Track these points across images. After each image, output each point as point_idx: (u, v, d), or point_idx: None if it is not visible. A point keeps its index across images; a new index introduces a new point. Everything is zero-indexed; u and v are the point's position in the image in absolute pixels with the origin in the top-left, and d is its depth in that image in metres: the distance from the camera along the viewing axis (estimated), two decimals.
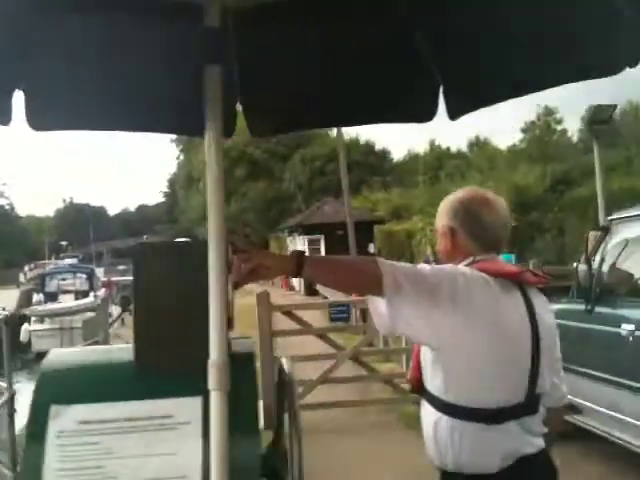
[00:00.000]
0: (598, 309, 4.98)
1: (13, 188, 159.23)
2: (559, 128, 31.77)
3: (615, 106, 9.09)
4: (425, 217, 22.55)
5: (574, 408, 5.30)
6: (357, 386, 7.55)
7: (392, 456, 5.67)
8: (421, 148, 43.03)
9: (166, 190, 70.14)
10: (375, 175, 35.81)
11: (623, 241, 4.92)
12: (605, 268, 5.11)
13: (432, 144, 42.17)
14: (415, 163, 39.42)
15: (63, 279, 28.75)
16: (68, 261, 33.67)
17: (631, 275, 4.88)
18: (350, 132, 51.86)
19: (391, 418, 6.84)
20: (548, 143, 28.36)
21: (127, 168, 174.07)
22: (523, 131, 31.61)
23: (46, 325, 24.27)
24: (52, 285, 28.21)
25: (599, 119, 8.71)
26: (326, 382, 6.95)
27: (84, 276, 29.02)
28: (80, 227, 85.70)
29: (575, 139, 32.18)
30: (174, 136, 62.90)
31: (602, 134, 9.15)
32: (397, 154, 65.33)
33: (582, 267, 5.14)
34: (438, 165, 35.55)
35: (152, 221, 72.23)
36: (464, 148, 41.02)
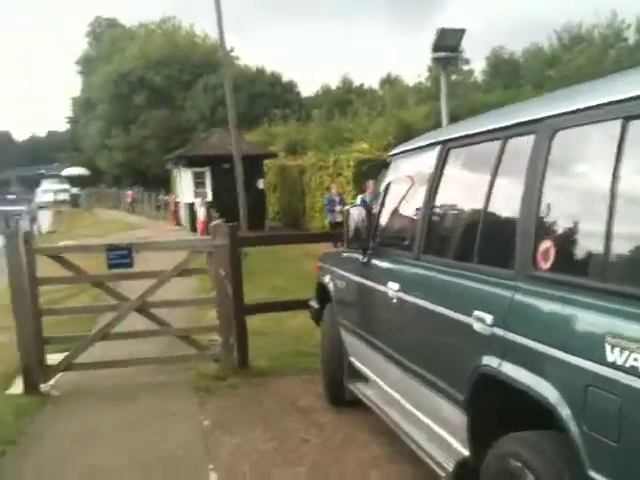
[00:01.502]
0: (375, 261, 4.15)
1: None
2: (465, 68, 31.18)
3: (463, 30, 8.12)
4: (318, 153, 21.58)
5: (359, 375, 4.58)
6: (156, 342, 6.60)
7: (150, 429, 4.79)
8: (334, 84, 41.53)
9: (71, 116, 65.57)
10: (280, 108, 34.30)
11: (402, 179, 4.06)
12: (384, 212, 4.26)
13: (344, 79, 40.83)
14: (326, 98, 38.11)
15: None
16: None
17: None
18: (256, 62, 49.79)
19: (185, 379, 5.96)
20: (450, 82, 27.71)
21: (35, 92, 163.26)
22: (429, 69, 30.87)
23: None
24: None
25: (445, 45, 7.78)
26: (107, 339, 5.95)
27: None
28: None
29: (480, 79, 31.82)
30: (80, 56, 59.31)
31: (452, 63, 8.24)
32: (309, 89, 63.42)
33: (355, 211, 4.27)
34: (347, 101, 34.37)
35: (61, 148, 67.88)
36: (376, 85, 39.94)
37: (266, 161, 24.08)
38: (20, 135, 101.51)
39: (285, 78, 41.09)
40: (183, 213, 23.72)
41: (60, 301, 8.22)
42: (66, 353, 5.91)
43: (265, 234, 7.13)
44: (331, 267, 5.15)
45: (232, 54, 44.61)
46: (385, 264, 3.99)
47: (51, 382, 5.81)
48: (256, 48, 68.60)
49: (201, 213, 15.84)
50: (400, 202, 4.11)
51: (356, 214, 4.29)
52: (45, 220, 33.64)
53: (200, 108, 38.00)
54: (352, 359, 4.70)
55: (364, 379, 4.52)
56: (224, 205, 20.61)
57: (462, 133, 3.35)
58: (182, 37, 46.66)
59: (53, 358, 5.92)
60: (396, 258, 3.85)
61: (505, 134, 2.84)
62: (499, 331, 2.51)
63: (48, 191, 48.11)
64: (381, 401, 4.16)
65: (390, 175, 4.28)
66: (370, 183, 12.06)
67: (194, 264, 6.38)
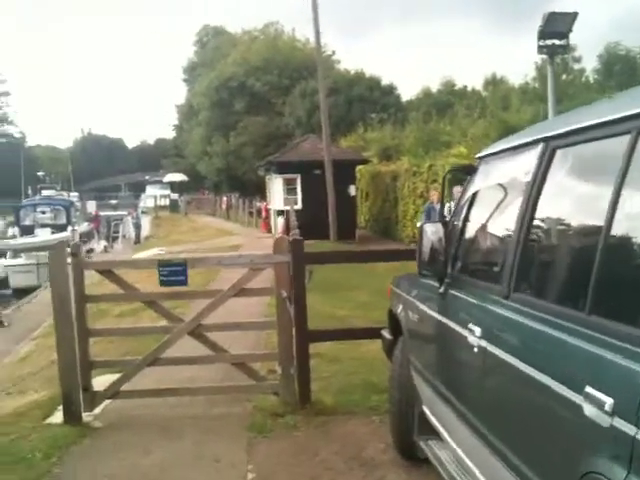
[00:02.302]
0: (453, 293, 3.25)
1: (28, 117, 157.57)
2: (577, 67, 28.99)
3: (574, 14, 6.85)
4: (412, 158, 20.53)
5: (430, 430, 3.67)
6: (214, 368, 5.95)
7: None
8: (435, 86, 40.06)
9: (176, 123, 67.84)
10: (379, 112, 33.37)
11: (492, 188, 3.14)
12: (467, 231, 3.35)
13: (446, 82, 39.34)
14: (426, 101, 36.78)
15: (39, 212, 27.46)
16: (46, 193, 32.19)
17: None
18: (355, 65, 49.14)
19: (240, 412, 5.26)
20: (560, 82, 25.74)
21: (147, 100, 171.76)
22: (537, 68, 28.91)
23: (22, 260, 23.27)
24: (28, 218, 26.96)
25: (553, 31, 6.59)
26: (156, 364, 5.35)
27: (62, 209, 27.71)
28: (98, 159, 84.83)
29: (592, 79, 29.44)
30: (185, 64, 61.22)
31: (560, 52, 7.04)
32: (410, 92, 61.82)
33: (431, 228, 3.38)
34: (448, 103, 32.96)
35: (167, 155, 70.36)
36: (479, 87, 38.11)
37: (358, 167, 23.30)
38: (131, 142, 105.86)
39: (385, 81, 40.09)
40: (273, 220, 23.40)
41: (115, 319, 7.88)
42: (113, 377, 5.37)
43: (333, 251, 6.28)
44: (404, 294, 4.27)
45: (332, 58, 44.45)
46: (465, 299, 3.08)
47: (96, 410, 5.28)
48: (358, 52, 68.20)
49: (280, 222, 14.90)
50: (488, 218, 3.20)
51: (431, 231, 3.41)
52: (145, 225, 34.60)
53: (297, 113, 37.80)
54: (425, 409, 3.80)
55: (438, 436, 3.61)
56: (313, 213, 20.06)
57: (572, 127, 2.39)
58: (283, 42, 46.89)
59: (99, 383, 5.41)
60: (479, 292, 2.93)
61: (638, 125, 1.90)
62: (624, 425, 1.58)
63: (151, 197, 49.79)
64: (455, 469, 3.25)
65: (477, 182, 3.35)
66: (456, 190, 9.96)
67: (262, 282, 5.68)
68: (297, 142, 24.59)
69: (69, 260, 5.12)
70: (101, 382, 5.43)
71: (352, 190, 21.59)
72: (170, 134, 72.21)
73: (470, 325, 2.80)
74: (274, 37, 48.32)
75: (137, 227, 27.79)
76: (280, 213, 19.02)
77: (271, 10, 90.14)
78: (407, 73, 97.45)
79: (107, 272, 5.33)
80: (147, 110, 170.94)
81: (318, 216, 20.05)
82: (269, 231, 24.02)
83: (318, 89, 22.49)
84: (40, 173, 43.78)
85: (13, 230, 26.24)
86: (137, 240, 26.78)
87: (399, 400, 4.16)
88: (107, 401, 5.37)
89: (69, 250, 5.16)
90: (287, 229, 13.03)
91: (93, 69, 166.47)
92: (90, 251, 26.08)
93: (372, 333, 5.16)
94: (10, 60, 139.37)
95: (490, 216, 3.18)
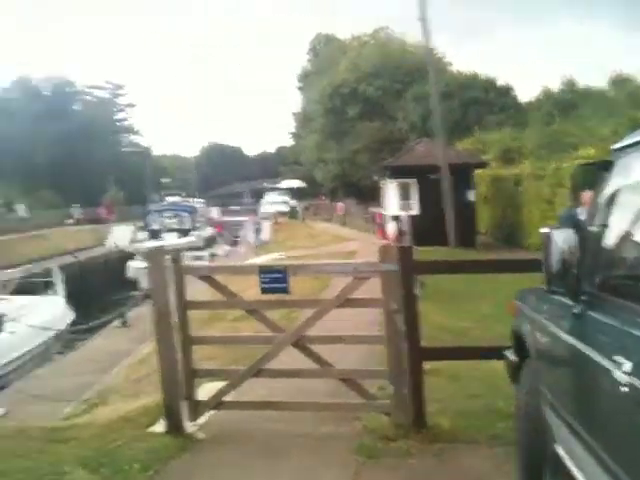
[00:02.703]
0: (593, 315, 2.71)
1: (154, 128, 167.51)
2: None
3: None
4: (535, 160, 19.34)
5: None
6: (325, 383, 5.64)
7: None
8: (556, 86, 37.76)
9: (293, 131, 69.21)
10: (495, 114, 32.03)
11: (635, 187, 2.57)
12: (607, 239, 2.79)
13: (567, 81, 36.96)
14: (546, 102, 34.81)
15: (166, 217, 28.84)
16: (170, 199, 33.77)
17: None
18: (469, 66, 47.46)
19: (349, 432, 4.92)
20: None
21: (269, 109, 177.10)
22: None
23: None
24: (154, 223, 28.37)
25: None
26: (260, 375, 5.13)
27: (186, 214, 28.96)
28: (221, 167, 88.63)
29: None
30: (300, 73, 62.28)
31: None
32: (528, 94, 58.51)
33: (561, 235, 2.85)
34: (571, 103, 30.97)
35: (286, 162, 72.03)
36: (605, 86, 35.43)
37: (477, 171, 22.32)
38: (252, 151, 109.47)
39: (501, 82, 38.42)
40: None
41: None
42: (217, 385, 5.21)
43: (446, 260, 5.67)
44: (531, 311, 3.73)
45: (444, 60, 43.34)
46: (609, 323, 2.54)
47: (200, 420, 5.14)
48: (470, 54, 66.12)
49: (391, 228, 14.31)
50: (633, 223, 2.62)
51: (561, 239, 2.88)
52: (264, 231, 35.28)
53: (411, 118, 37.15)
54: (558, 449, 3.24)
55: None
56: (430, 218, 19.43)
57: None
58: (394, 47, 46.39)
59: (202, 392, 5.27)
60: (628, 316, 2.38)
61: None
62: None
63: (270, 203, 50.97)
64: None
65: (616, 179, 2.79)
66: (586, 194, 8.65)
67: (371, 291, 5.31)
68: (411, 146, 23.99)
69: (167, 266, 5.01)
70: (205, 391, 5.29)
71: (471, 195, 20.68)
72: (290, 142, 73.86)
73: (616, 357, 2.27)
74: (384, 42, 47.87)
75: (257, 232, 28.45)
76: (394, 219, 18.58)
77: (381, 14, 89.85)
78: (523, 74, 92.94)
79: (207, 278, 5.18)
80: (269, 119, 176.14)
81: (435, 222, 19.39)
82: (385, 237, 23.58)
83: (430, 92, 22.07)
84: (164, 180, 46.04)
85: (142, 234, 27.66)
86: (259, 244, 27.44)
87: (527, 433, 3.61)
88: (211, 411, 5.22)
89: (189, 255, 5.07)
90: (399, 236, 12.53)
91: (217, 78, 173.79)
92: (213, 255, 26.97)
93: (494, 353, 4.63)
94: (137, 73, 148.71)
95: (636, 221, 2.61)
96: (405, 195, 21.02)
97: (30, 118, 59.76)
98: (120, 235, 32.77)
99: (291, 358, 5.23)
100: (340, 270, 5.15)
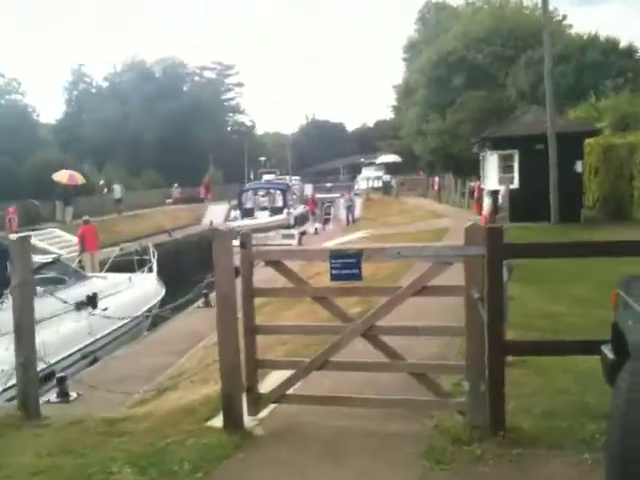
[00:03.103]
0: None
1: (257, 106, 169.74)
2: None
3: None
4: None
5: None
6: (386, 377, 5.14)
7: None
8: None
9: (394, 104, 67.67)
10: (613, 78, 29.50)
11: None
12: None
13: None
14: None
15: (259, 195, 29.01)
16: (266, 177, 33.94)
17: None
18: (588, 29, 44.14)
19: (418, 432, 4.42)
20: None
21: (368, 82, 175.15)
22: None
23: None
24: (248, 201, 28.60)
25: None
26: (325, 368, 4.72)
27: (279, 192, 28.93)
28: (320, 143, 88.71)
29: None
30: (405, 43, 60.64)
31: None
32: None
33: None
34: None
35: (385, 137, 70.79)
36: None
37: (587, 140, 20.62)
38: (352, 125, 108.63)
39: (624, 43, 35.33)
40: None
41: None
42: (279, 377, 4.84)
43: (542, 243, 4.90)
44: (636, 304, 3.07)
45: (563, 23, 40.67)
46: None
47: (261, 414, 4.80)
48: (592, 17, 61.40)
49: (486, 204, 13.18)
50: None
51: None
52: (356, 207, 34.84)
53: (520, 85, 35.02)
54: None
55: None
56: (532, 192, 18.25)
57: None
58: (509, 10, 44.06)
59: (265, 384, 4.93)
60: None
61: None
62: None
63: (364, 179, 50.31)
64: None
65: None
66: None
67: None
68: (518, 115, 22.51)
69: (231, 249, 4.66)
70: (268, 383, 4.94)
71: (578, 166, 19.15)
72: (389, 116, 72.51)
73: None
74: (499, 6, 45.51)
75: (349, 209, 28.00)
76: (492, 194, 17.50)
77: None
78: None
79: (276, 263, 4.79)
80: (368, 92, 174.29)
81: (537, 196, 18.19)
82: (481, 212, 22.45)
83: (544, 57, 20.42)
84: (262, 158, 46.46)
85: (235, 213, 27.98)
86: (348, 222, 26.99)
87: (621, 442, 2.98)
88: (272, 405, 4.87)
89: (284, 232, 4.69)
90: (494, 211, 11.60)
91: (318, 55, 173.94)
92: (303, 233, 26.89)
93: (589, 348, 3.97)
94: (243, 52, 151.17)
95: None
96: (506, 168, 19.81)
97: (141, 100, 62.33)
98: (216, 214, 33.53)
99: (362, 349, 4.78)
100: (418, 254, 4.59)
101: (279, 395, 4.80)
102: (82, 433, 4.62)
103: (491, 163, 20.83)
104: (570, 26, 41.89)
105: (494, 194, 12.63)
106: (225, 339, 4.67)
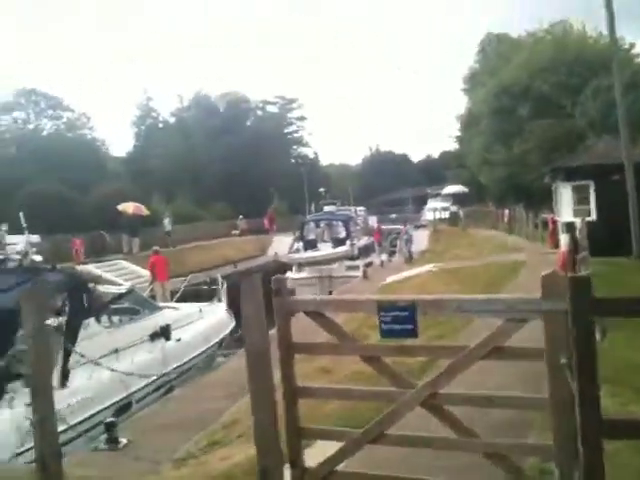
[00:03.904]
0: None
1: (321, 138, 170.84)
2: None
3: None
4: None
5: None
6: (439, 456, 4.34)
7: None
8: None
9: (457, 134, 66.56)
10: None
11: None
12: None
13: None
14: None
15: (321, 227, 28.49)
16: (327, 209, 33.41)
17: None
18: None
19: None
20: None
21: (432, 113, 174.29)
22: None
23: (306, 274, 24.33)
24: (310, 233, 28.14)
25: None
26: (379, 442, 4.01)
27: (341, 224, 28.36)
28: (385, 174, 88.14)
29: None
30: (466, 74, 59.82)
31: None
32: None
33: None
34: None
35: (451, 167, 69.55)
36: None
37: None
38: (417, 156, 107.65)
39: None
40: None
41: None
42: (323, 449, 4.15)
43: None
44: None
45: (631, 52, 39.10)
46: None
47: None
48: None
49: (564, 241, 11.81)
50: None
51: None
52: (422, 239, 33.81)
53: (590, 114, 33.54)
54: None
55: None
56: (610, 225, 16.98)
57: None
58: (572, 39, 42.81)
59: (310, 457, 4.25)
60: None
61: None
62: None
63: (431, 210, 49.26)
64: None
65: None
66: None
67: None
68: (589, 145, 21.30)
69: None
70: (312, 455, 4.27)
71: None
72: (453, 146, 71.34)
73: None
74: (562, 35, 44.28)
75: (408, 242, 27.07)
76: (568, 228, 16.26)
77: (556, 7, 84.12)
78: None
79: (316, 314, 4.15)
80: (431, 123, 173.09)
81: (616, 229, 16.90)
82: (557, 246, 21.13)
83: (614, 85, 19.26)
84: (321, 190, 46.15)
85: (298, 244, 27.56)
86: (408, 256, 26.07)
87: None
88: None
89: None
90: (574, 249, 10.48)
91: (378, 86, 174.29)
92: (369, 265, 26.15)
93: None
94: (304, 85, 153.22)
95: None
96: (581, 199, 18.56)
97: (206, 134, 63.75)
98: (280, 245, 33.29)
99: (419, 419, 4.05)
100: (485, 309, 3.86)
101: (328, 471, 4.11)
102: None
103: (565, 195, 19.62)
104: (638, 55, 40.24)
105: (571, 230, 11.45)
106: (259, 403, 4.04)
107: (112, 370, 8.20)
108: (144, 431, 7.36)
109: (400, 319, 3.88)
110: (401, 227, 30.09)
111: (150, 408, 8.68)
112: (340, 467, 4.12)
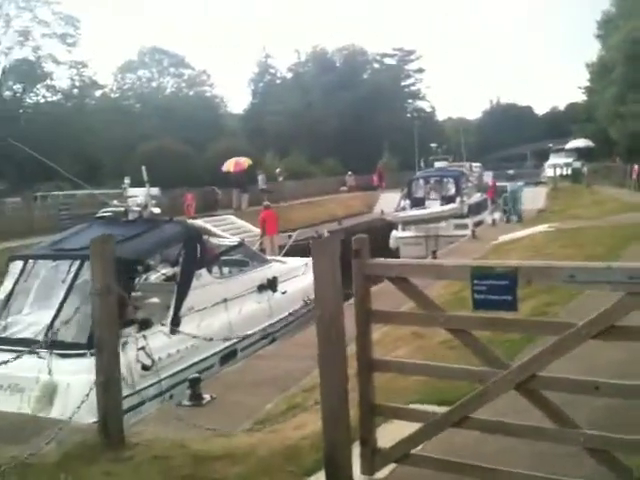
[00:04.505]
0: None
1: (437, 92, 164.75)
2: None
3: None
4: None
5: None
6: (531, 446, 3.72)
7: None
8: None
9: (587, 85, 61.61)
10: None
11: None
12: None
13: None
14: None
15: (430, 183, 27.28)
16: (438, 164, 31.88)
17: None
18: None
19: None
20: None
21: (560, 63, 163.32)
22: None
23: (412, 232, 23.58)
24: (419, 190, 27.06)
25: None
26: (463, 425, 3.49)
27: (451, 180, 26.99)
28: (505, 128, 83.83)
29: None
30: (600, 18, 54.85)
31: None
32: None
33: None
34: None
35: (578, 120, 64.77)
36: None
37: None
38: (540, 109, 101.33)
39: None
40: None
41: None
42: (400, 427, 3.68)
43: None
44: None
45: None
46: None
47: (378, 474, 3.70)
48: None
49: None
50: None
51: None
52: (540, 197, 31.73)
53: None
54: None
55: None
56: None
57: None
58: None
59: (383, 434, 3.80)
60: None
61: None
62: None
63: (552, 166, 46.09)
64: None
65: None
66: None
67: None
68: None
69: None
70: (385, 434, 3.82)
71: None
72: (582, 98, 66.42)
73: None
74: None
75: (513, 202, 25.23)
76: None
77: None
78: None
79: (400, 280, 3.63)
80: (557, 74, 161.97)
81: None
82: None
83: None
84: (433, 145, 44.26)
85: (405, 202, 26.64)
86: (512, 218, 24.50)
87: None
88: (392, 465, 3.74)
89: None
90: None
91: (498, 36, 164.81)
92: (479, 223, 24.90)
93: None
94: (426, 36, 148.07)
95: None
96: None
97: (322, 89, 63.38)
98: (387, 202, 32.51)
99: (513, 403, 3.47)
100: (605, 278, 3.16)
101: (402, 453, 3.65)
102: (162, 475, 3.86)
103: None
104: None
105: None
106: (329, 375, 3.63)
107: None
108: (231, 387, 7.24)
109: (497, 289, 3.29)
110: (520, 184, 28.12)
111: (237, 365, 8.60)
112: (415, 450, 3.65)
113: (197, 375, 6.92)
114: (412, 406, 4.21)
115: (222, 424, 5.55)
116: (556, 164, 45.15)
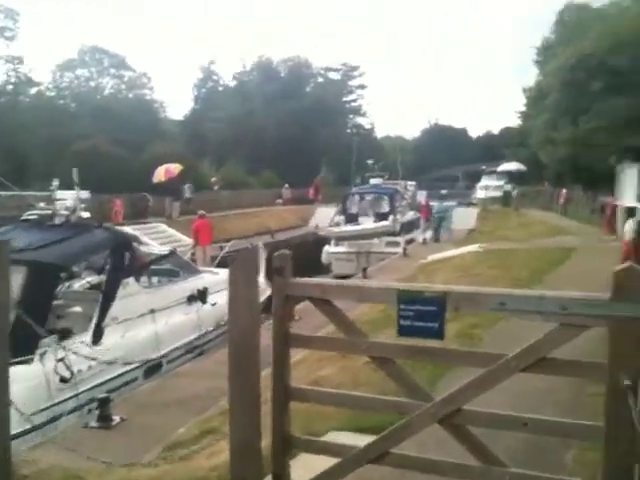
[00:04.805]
0: None
1: (377, 109, 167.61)
2: None
3: None
4: None
5: None
6: None
7: None
8: None
9: (523, 110, 63.45)
10: None
11: None
12: None
13: None
14: None
15: (364, 200, 27.29)
16: (373, 181, 32.02)
17: None
18: None
19: None
20: None
21: (494, 88, 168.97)
22: None
23: (344, 248, 23.40)
24: (353, 206, 27.02)
25: None
26: (382, 462, 3.23)
27: (386, 198, 27.08)
28: (441, 149, 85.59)
29: None
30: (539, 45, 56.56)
31: None
32: None
33: None
34: None
35: (511, 144, 66.72)
36: None
37: None
38: (475, 132, 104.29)
39: None
40: (621, 220, 18.86)
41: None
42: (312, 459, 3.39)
43: None
44: None
45: None
46: None
47: None
48: None
49: (627, 227, 10.07)
50: None
51: None
52: (470, 218, 32.27)
53: None
54: None
55: None
56: None
57: None
58: None
59: (297, 470, 3.49)
60: None
61: None
62: None
63: (483, 188, 47.23)
64: None
65: None
66: None
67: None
68: None
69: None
70: (299, 467, 3.51)
71: None
72: (516, 122, 68.39)
73: None
74: None
75: (440, 220, 25.78)
76: (630, 211, 14.70)
77: None
78: None
79: (322, 302, 3.36)
80: (494, 98, 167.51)
81: None
82: (613, 233, 19.64)
83: None
84: (369, 161, 44.63)
85: (339, 217, 26.55)
86: (437, 236, 25.07)
87: None
88: None
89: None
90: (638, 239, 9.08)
91: (441, 58, 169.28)
92: (410, 241, 25.08)
93: None
94: (366, 53, 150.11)
95: None
96: None
97: (264, 98, 62.94)
98: (322, 217, 32.37)
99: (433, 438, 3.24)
100: (536, 308, 2.98)
101: None
102: None
103: (629, 177, 18.11)
104: None
105: (634, 215, 9.97)
106: (239, 403, 3.31)
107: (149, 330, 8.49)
108: (145, 407, 6.81)
109: (424, 315, 3.08)
110: (452, 204, 28.55)
111: (151, 384, 8.15)
112: None
113: (106, 395, 6.48)
114: (332, 434, 3.94)
115: (129, 449, 5.16)
116: (488, 185, 46.27)
